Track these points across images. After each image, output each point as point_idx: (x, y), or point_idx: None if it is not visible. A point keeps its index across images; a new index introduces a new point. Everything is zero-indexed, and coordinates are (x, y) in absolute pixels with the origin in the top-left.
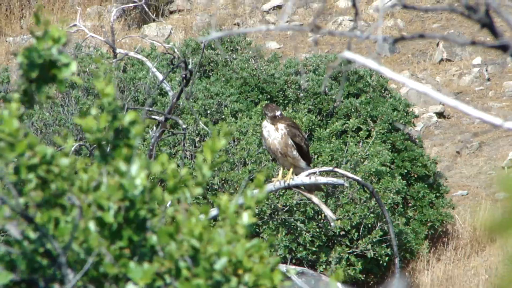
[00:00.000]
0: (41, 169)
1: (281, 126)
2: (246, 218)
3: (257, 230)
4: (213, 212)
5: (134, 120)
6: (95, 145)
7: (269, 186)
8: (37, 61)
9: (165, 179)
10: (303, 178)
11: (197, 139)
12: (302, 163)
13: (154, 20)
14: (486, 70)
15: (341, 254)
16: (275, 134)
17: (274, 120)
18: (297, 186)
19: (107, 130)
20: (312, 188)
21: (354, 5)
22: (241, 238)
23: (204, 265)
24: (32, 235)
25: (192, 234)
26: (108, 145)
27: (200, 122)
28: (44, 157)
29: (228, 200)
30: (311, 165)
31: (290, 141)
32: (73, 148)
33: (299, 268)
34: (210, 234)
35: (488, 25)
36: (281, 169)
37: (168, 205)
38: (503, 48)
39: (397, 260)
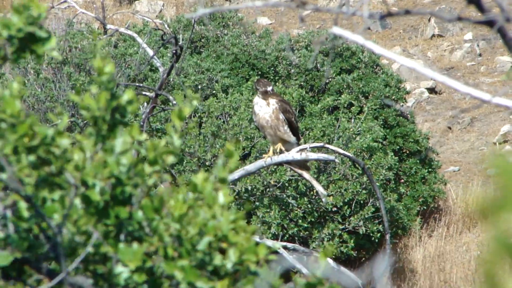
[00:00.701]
0: (41, 150)
1: (273, 101)
2: (222, 197)
3: (251, 206)
4: None
5: (131, 99)
6: (86, 122)
7: (260, 162)
8: (16, 35)
9: (139, 151)
10: (294, 154)
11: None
12: (292, 139)
13: None
14: (478, 45)
15: (334, 231)
16: (266, 109)
17: (265, 95)
18: (288, 162)
19: (105, 108)
20: (302, 164)
21: None
22: (224, 212)
23: (186, 246)
24: (26, 213)
25: (173, 216)
26: (104, 123)
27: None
28: (44, 138)
29: (205, 178)
30: (301, 141)
31: (281, 116)
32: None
33: (290, 245)
34: (194, 214)
35: (475, 1)
36: (271, 145)
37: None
38: (490, 23)
39: (388, 236)
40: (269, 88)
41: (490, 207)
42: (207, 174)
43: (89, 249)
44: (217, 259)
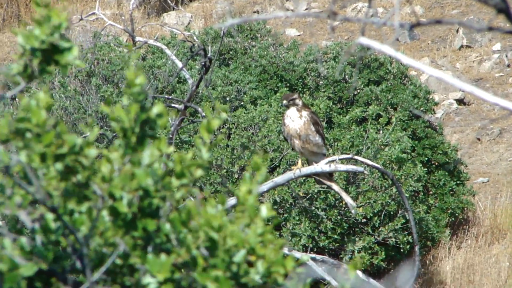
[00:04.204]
0: (69, 159)
1: (305, 113)
2: (265, 211)
3: (280, 219)
4: (231, 201)
5: (161, 112)
6: (115, 134)
7: (289, 174)
8: (39, 47)
9: (167, 164)
10: (322, 165)
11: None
12: (324, 150)
13: (173, 8)
14: (506, 56)
15: (368, 244)
16: (298, 120)
17: (298, 108)
18: (316, 174)
19: (135, 120)
20: (324, 176)
21: None
22: (256, 227)
23: (223, 257)
24: (53, 225)
25: (210, 226)
26: (133, 135)
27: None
28: (73, 147)
29: (247, 191)
30: (329, 153)
31: (312, 127)
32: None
33: (319, 257)
34: (230, 226)
35: (504, 10)
36: (300, 158)
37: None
38: None
39: (417, 248)
40: (298, 100)
41: None
42: (250, 186)
43: (116, 260)
44: (252, 272)
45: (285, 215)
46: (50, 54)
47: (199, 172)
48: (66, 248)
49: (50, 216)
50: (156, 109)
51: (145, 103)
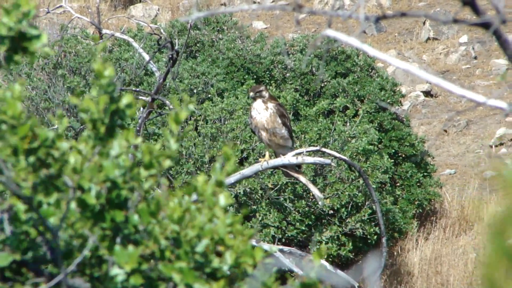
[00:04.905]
0: (41, 152)
1: (271, 105)
2: (223, 199)
3: (251, 209)
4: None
5: (130, 103)
6: (83, 126)
7: (256, 166)
8: (7, 34)
9: (134, 154)
10: (290, 158)
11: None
12: (290, 143)
13: (140, 1)
14: (473, 48)
15: (335, 234)
16: (264, 112)
17: (264, 100)
18: (284, 166)
19: (104, 111)
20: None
21: None
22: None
23: (185, 248)
24: (23, 216)
25: (172, 218)
26: (103, 126)
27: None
28: (45, 141)
29: (205, 181)
30: (296, 145)
31: (278, 120)
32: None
33: (286, 248)
34: (192, 217)
35: (470, 3)
36: (267, 150)
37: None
38: (485, 26)
39: (384, 239)
40: (265, 92)
41: (496, 219)
42: (207, 176)
43: (86, 252)
44: (215, 262)
45: (254, 207)
46: (18, 42)
47: (167, 163)
48: (35, 239)
49: (20, 207)
50: (126, 99)
51: (114, 94)
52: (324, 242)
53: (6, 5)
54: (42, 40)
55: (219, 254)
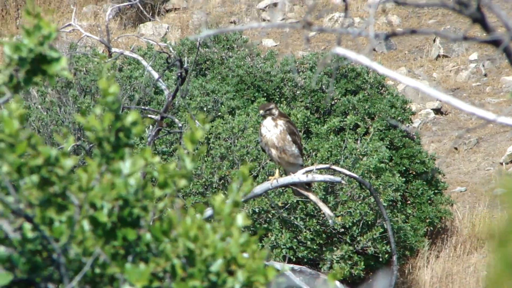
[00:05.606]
0: (44, 170)
1: (280, 122)
2: (240, 220)
3: (264, 228)
4: (209, 211)
5: (135, 121)
6: (92, 145)
7: (266, 185)
8: (27, 56)
9: (150, 173)
10: (300, 176)
11: None
12: (300, 160)
13: (150, 19)
14: (483, 65)
15: (346, 253)
16: (274, 130)
17: (274, 117)
18: (294, 184)
19: (109, 129)
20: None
21: (344, 0)
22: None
23: (199, 267)
24: (30, 234)
25: (187, 236)
26: (109, 144)
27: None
28: (48, 159)
29: (222, 200)
30: (307, 163)
31: (288, 137)
32: (69, 148)
33: (297, 267)
34: (206, 235)
35: (479, 20)
36: (278, 168)
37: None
38: (495, 43)
39: (395, 257)
40: (274, 110)
41: (498, 230)
42: (225, 196)
43: (95, 269)
44: (230, 282)
45: (265, 225)
46: (38, 64)
47: (183, 182)
48: (45, 257)
49: (27, 225)
50: (131, 117)
51: (120, 112)
52: (335, 261)
53: (27, 27)
54: (62, 64)
55: (231, 273)
